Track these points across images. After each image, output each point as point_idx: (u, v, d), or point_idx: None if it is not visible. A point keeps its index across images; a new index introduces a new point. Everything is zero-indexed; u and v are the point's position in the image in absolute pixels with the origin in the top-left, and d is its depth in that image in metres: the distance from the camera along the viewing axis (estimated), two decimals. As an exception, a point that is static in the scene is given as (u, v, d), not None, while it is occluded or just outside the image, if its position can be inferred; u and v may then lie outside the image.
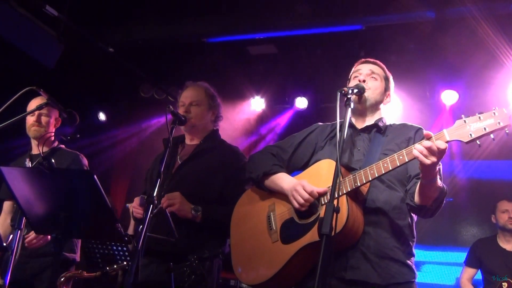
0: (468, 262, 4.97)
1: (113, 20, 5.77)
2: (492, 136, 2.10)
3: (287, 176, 2.64)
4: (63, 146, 3.77)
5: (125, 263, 3.41)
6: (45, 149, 3.57)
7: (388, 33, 5.05)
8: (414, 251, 2.54)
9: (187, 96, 3.35)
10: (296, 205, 2.48)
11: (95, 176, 2.44)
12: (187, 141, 3.41)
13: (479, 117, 2.10)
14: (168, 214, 2.87)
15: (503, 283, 4.52)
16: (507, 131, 2.07)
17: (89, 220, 2.67)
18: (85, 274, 3.19)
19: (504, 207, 4.82)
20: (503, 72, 5.17)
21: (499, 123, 2.06)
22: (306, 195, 2.44)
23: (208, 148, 3.31)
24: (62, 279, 3.16)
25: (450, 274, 6.11)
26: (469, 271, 4.94)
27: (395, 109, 5.51)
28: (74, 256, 3.69)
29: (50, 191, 2.63)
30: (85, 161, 3.76)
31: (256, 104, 6.62)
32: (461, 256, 6.00)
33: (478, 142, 2.12)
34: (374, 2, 4.71)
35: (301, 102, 6.33)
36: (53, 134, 3.72)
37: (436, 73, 5.52)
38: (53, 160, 2.64)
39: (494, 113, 2.08)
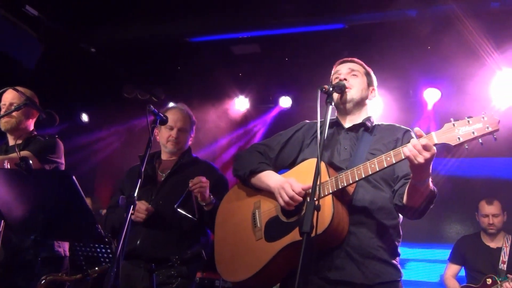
0: (452, 259, 4.99)
1: (95, 20, 5.68)
2: (480, 140, 2.10)
3: (274, 174, 2.61)
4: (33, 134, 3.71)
5: (108, 265, 3.36)
6: (21, 140, 3.53)
7: (371, 32, 5.05)
8: (400, 250, 2.52)
9: (176, 120, 3.44)
10: (282, 203, 2.44)
11: (73, 177, 2.39)
12: (164, 157, 3.54)
13: (468, 121, 2.10)
14: (194, 197, 3.11)
15: (487, 279, 4.53)
16: (495, 136, 2.07)
17: (68, 221, 2.62)
18: (65, 277, 3.13)
19: (485, 211, 4.81)
20: (485, 69, 5.20)
21: (487, 127, 2.06)
22: (292, 193, 2.40)
23: (187, 163, 3.47)
24: (42, 282, 3.09)
25: (434, 271, 6.15)
26: (453, 268, 4.95)
27: (378, 107, 5.51)
28: (60, 252, 3.61)
29: (28, 192, 2.58)
30: (59, 147, 3.66)
31: (240, 103, 6.60)
32: (445, 253, 6.03)
33: (466, 146, 2.12)
34: (356, 0, 4.70)
35: (285, 101, 6.34)
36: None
37: (419, 71, 5.54)
38: (30, 162, 2.59)
39: (483, 117, 2.07)
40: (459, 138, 2.09)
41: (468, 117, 2.09)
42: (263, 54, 5.89)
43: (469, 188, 6.02)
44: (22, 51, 4.80)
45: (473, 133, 2.06)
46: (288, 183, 2.45)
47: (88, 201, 6.42)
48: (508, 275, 4.45)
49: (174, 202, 3.16)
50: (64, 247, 3.59)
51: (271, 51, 5.84)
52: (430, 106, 5.74)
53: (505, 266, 4.57)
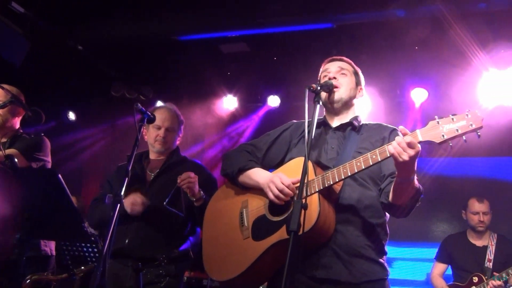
0: (439, 258, 5.02)
1: (83, 17, 5.64)
2: (464, 138, 2.11)
3: (262, 171, 2.61)
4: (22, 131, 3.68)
5: (95, 264, 3.35)
6: (7, 138, 3.49)
7: (359, 32, 5.07)
8: (387, 249, 2.53)
9: (163, 120, 3.43)
10: (272, 196, 2.43)
11: (59, 176, 2.37)
12: (152, 156, 3.54)
13: (452, 119, 2.10)
14: (183, 193, 3.11)
15: (473, 277, 4.57)
16: (479, 133, 2.08)
17: (54, 220, 2.60)
18: (51, 276, 3.10)
19: (475, 209, 4.83)
20: (471, 70, 5.24)
21: (471, 125, 2.06)
22: (281, 186, 2.40)
23: (175, 163, 3.47)
24: (27, 281, 3.07)
25: (421, 270, 6.18)
26: (440, 267, 4.98)
27: (366, 106, 5.55)
28: (47, 251, 3.57)
29: (13, 190, 2.55)
30: (46, 145, 3.62)
31: (229, 102, 6.58)
32: (432, 252, 6.06)
33: (450, 143, 2.13)
34: (344, 0, 4.72)
35: (274, 101, 6.33)
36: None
37: (406, 71, 5.57)
38: (16, 160, 2.56)
39: (467, 115, 2.08)
40: (443, 136, 2.10)
41: (452, 115, 2.10)
42: (251, 53, 5.89)
43: (455, 187, 6.06)
44: (8, 48, 4.73)
45: (457, 130, 2.07)
46: (277, 176, 2.45)
47: (73, 200, 6.39)
48: (494, 273, 4.48)
49: (163, 201, 3.16)
50: (50, 246, 3.55)
51: (259, 50, 5.83)
52: (417, 106, 5.78)
53: (491, 264, 4.60)
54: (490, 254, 4.67)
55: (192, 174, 3.12)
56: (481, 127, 2.04)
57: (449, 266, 4.96)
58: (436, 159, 6.06)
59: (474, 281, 4.55)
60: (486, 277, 4.51)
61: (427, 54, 5.40)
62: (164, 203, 3.10)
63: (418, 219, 6.02)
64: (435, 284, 4.92)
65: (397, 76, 5.53)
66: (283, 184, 2.40)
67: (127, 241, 3.20)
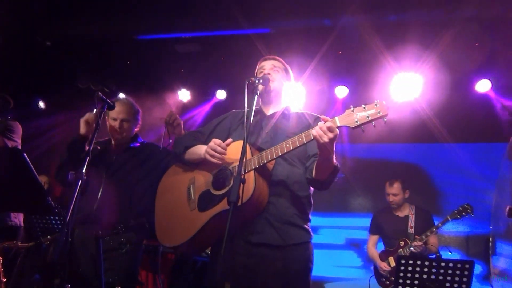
0: (371, 230, 5.12)
1: (52, 16, 5.37)
2: (373, 123, 2.16)
3: (203, 146, 2.60)
4: None
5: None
6: None
7: (292, 36, 5.09)
8: (311, 217, 2.57)
9: (119, 112, 3.33)
10: (208, 157, 2.45)
11: (24, 154, 2.25)
12: (114, 143, 3.46)
13: (364, 107, 2.16)
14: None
15: (400, 242, 4.71)
16: (385, 120, 2.14)
17: (21, 194, 2.46)
18: (19, 244, 2.96)
19: (387, 191, 4.97)
20: (385, 72, 5.39)
21: (379, 113, 2.13)
22: (214, 146, 2.44)
23: (135, 147, 3.44)
24: (-2, 249, 2.92)
25: (340, 235, 6.32)
26: (373, 238, 5.08)
27: (300, 100, 5.61)
28: (16, 222, 3.40)
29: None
30: (17, 129, 3.44)
31: (183, 95, 6.52)
32: (350, 220, 6.28)
33: (362, 128, 2.18)
34: (280, 9, 4.72)
35: (221, 94, 6.33)
36: None
37: (332, 71, 5.66)
38: (-16, 141, 2.41)
39: (376, 104, 2.14)
40: (356, 121, 2.15)
41: (364, 104, 2.15)
42: (203, 53, 5.81)
43: (370, 168, 6.22)
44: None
45: (368, 117, 2.13)
46: (211, 142, 2.48)
47: (44, 178, 6.10)
48: (416, 236, 4.64)
49: (124, 179, 3.14)
50: (19, 218, 3.39)
51: (210, 51, 5.77)
52: (340, 100, 5.92)
53: (413, 230, 4.76)
54: (411, 222, 4.81)
55: (176, 116, 3.18)
56: (387, 115, 2.11)
57: (380, 238, 5.05)
58: (355, 145, 6.21)
59: (401, 244, 4.69)
60: (410, 240, 4.66)
61: (349, 58, 5.51)
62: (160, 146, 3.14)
63: (339, 194, 6.18)
64: (370, 254, 5.03)
65: (324, 75, 5.61)
66: (215, 143, 2.44)
67: (91, 211, 3.12)
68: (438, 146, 6.06)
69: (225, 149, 2.44)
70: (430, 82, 5.47)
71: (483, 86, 5.53)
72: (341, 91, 5.85)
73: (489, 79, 5.49)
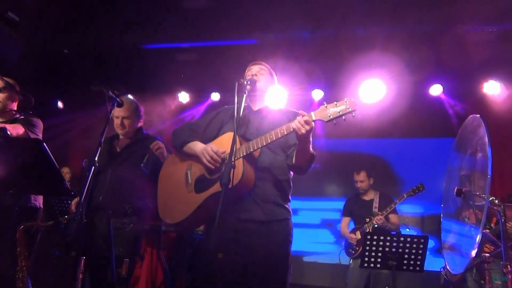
0: (344, 213, 5.13)
1: (69, 27, 5.29)
2: (343, 117, 2.17)
3: (199, 143, 2.58)
4: (17, 115, 3.39)
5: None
6: (6, 120, 3.21)
7: (276, 47, 5.08)
8: (291, 198, 2.58)
9: (119, 110, 3.29)
10: (205, 161, 2.43)
11: (43, 143, 2.21)
12: (121, 137, 3.41)
13: (336, 104, 2.17)
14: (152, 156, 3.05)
15: (366, 219, 4.74)
16: (353, 115, 2.15)
17: (40, 178, 2.42)
18: (40, 223, 2.90)
19: (355, 179, 5.00)
20: (355, 78, 5.43)
21: (348, 108, 2.14)
22: (212, 153, 2.41)
23: (139, 139, 3.37)
24: (21, 227, 2.85)
25: (316, 216, 6.34)
26: (345, 220, 5.10)
27: (283, 100, 5.61)
28: (36, 204, 3.33)
29: (6, 156, 2.35)
30: (39, 124, 3.37)
31: (182, 97, 6.52)
32: (325, 203, 6.30)
33: (334, 121, 2.19)
34: (265, 23, 4.72)
35: (215, 96, 6.33)
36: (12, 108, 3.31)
37: (310, 77, 5.66)
38: (9, 132, 2.36)
39: (346, 101, 2.16)
40: (329, 116, 2.16)
41: (336, 101, 2.16)
42: (200, 61, 5.79)
43: (341, 159, 6.23)
44: (6, 49, 4.34)
45: (339, 112, 2.14)
46: (209, 147, 2.44)
47: (67, 169, 6.01)
48: (378, 212, 4.70)
49: (129, 169, 3.09)
50: (39, 201, 3.32)
51: (206, 59, 5.75)
52: (316, 101, 5.93)
53: (377, 210, 4.80)
54: (376, 204, 4.85)
55: (160, 143, 3.11)
56: (355, 110, 2.12)
57: (351, 219, 5.07)
58: (329, 139, 6.23)
59: (366, 221, 4.74)
60: (374, 218, 4.71)
61: (325, 65, 5.50)
62: (142, 165, 3.02)
63: (316, 181, 6.20)
64: (343, 233, 5.04)
65: (305, 79, 5.61)
66: (212, 151, 2.41)
67: (101, 198, 3.10)
68: (399, 140, 6.13)
69: (220, 158, 2.41)
70: (392, 87, 5.52)
71: (435, 90, 5.61)
72: (317, 94, 5.87)
73: (440, 84, 5.56)
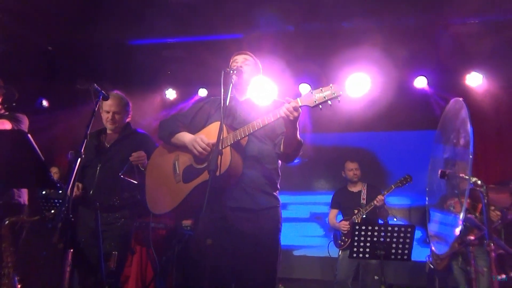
0: (332, 206, 5.14)
1: (54, 24, 5.21)
2: (330, 102, 2.19)
3: (187, 134, 2.57)
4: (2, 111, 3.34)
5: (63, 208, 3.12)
6: None
7: (261, 41, 5.08)
8: (279, 186, 2.58)
9: (110, 105, 3.27)
10: (196, 152, 2.41)
11: (28, 135, 2.17)
12: (108, 132, 3.38)
13: (321, 89, 2.19)
14: (135, 166, 3.00)
15: (354, 210, 4.79)
16: (339, 100, 2.18)
17: (25, 171, 2.38)
18: (25, 218, 2.85)
19: (350, 167, 5.02)
20: (341, 72, 5.47)
21: (333, 93, 2.16)
22: (203, 144, 2.39)
23: (127, 135, 3.35)
24: (6, 223, 2.80)
25: (305, 210, 6.35)
26: (333, 212, 5.11)
27: (272, 93, 5.59)
28: (20, 200, 3.28)
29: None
30: (25, 120, 3.32)
31: (170, 93, 6.49)
32: (313, 197, 6.32)
33: (320, 107, 2.20)
34: (251, 18, 4.73)
35: (203, 92, 6.31)
36: None
37: (296, 71, 5.66)
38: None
39: (331, 86, 2.18)
40: (315, 101, 2.17)
41: (321, 87, 2.18)
42: (186, 57, 5.77)
43: (329, 154, 6.24)
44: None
45: (324, 97, 2.16)
46: (199, 137, 2.42)
47: (56, 169, 5.91)
48: (379, 196, 4.72)
49: (118, 163, 3.06)
50: (23, 197, 3.27)
51: (192, 55, 5.72)
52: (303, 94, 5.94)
53: (365, 201, 4.83)
54: (364, 195, 4.88)
55: (142, 153, 3.05)
56: (340, 95, 2.14)
57: (339, 211, 5.09)
58: (317, 134, 6.26)
59: (355, 212, 4.78)
60: (362, 209, 4.76)
61: (312, 60, 5.51)
62: (120, 174, 2.96)
63: (304, 176, 6.23)
64: (331, 224, 5.06)
65: (291, 74, 5.61)
66: (202, 142, 2.39)
67: (91, 192, 3.08)
68: (386, 133, 6.19)
69: (210, 148, 2.39)
70: (378, 80, 5.57)
71: (420, 82, 5.68)
72: (304, 88, 5.89)
73: (425, 76, 5.64)
